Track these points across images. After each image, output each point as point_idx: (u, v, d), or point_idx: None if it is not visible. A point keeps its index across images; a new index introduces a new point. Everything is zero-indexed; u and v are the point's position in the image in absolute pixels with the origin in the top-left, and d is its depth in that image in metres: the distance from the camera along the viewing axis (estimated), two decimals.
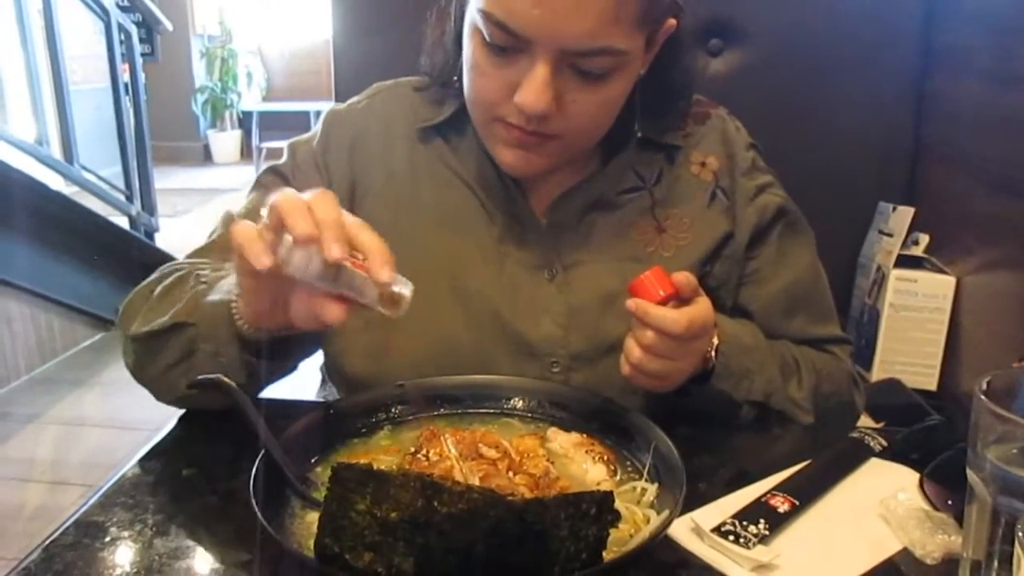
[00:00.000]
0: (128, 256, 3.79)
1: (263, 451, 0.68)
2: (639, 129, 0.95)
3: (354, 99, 1.04)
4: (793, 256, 1.00)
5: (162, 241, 4.23)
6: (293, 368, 0.93)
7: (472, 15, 0.84)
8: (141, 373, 0.88)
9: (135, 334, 0.86)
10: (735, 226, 0.98)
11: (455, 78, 0.94)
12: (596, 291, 0.93)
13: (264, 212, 0.69)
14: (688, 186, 0.98)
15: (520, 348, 0.93)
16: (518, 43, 0.81)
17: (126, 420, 2.84)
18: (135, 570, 0.66)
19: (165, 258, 4.40)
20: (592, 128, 0.90)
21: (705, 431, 0.87)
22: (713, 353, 0.86)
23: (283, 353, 0.84)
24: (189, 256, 0.96)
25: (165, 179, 5.83)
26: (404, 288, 0.68)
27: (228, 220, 0.97)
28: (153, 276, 0.92)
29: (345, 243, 0.66)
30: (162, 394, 0.88)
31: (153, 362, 0.85)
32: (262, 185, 1.01)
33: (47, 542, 0.69)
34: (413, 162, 0.99)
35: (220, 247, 0.94)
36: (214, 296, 0.81)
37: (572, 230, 0.96)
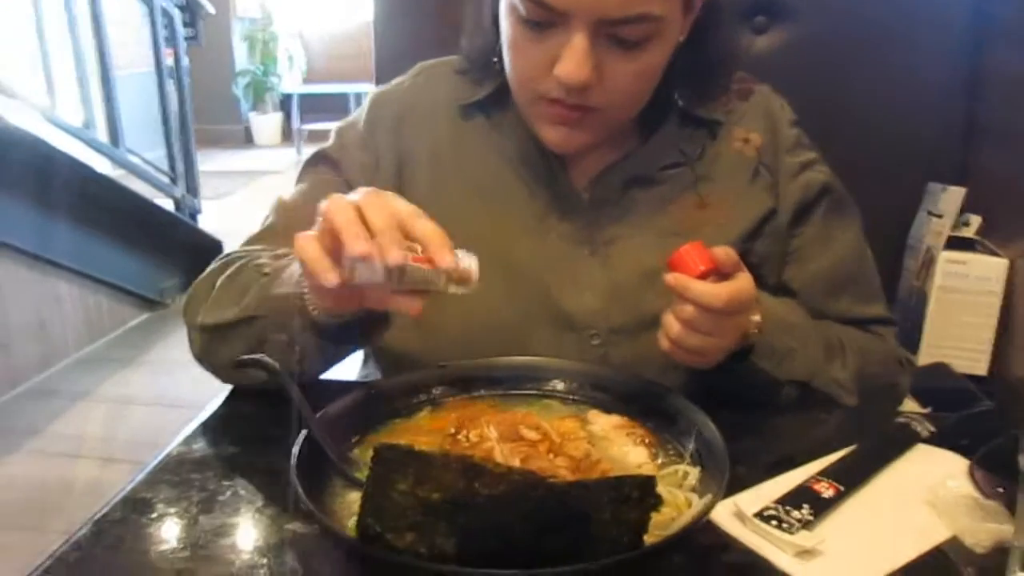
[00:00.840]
0: (173, 238, 3.85)
1: (305, 430, 0.69)
2: (679, 98, 0.94)
3: (398, 79, 1.05)
4: (838, 235, 0.99)
5: (205, 223, 4.29)
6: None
7: None
8: (208, 360, 0.90)
9: (203, 324, 0.88)
10: (778, 203, 0.97)
11: (495, 59, 0.94)
12: (637, 266, 0.93)
13: (319, 219, 0.70)
14: (731, 162, 0.97)
15: (561, 321, 0.93)
16: (554, 17, 0.81)
17: (172, 398, 2.89)
18: (181, 546, 0.67)
19: (208, 240, 4.49)
20: (632, 98, 0.89)
21: (748, 415, 0.85)
22: (755, 330, 0.85)
23: (357, 333, 0.84)
24: (245, 244, 0.98)
25: (207, 162, 5.90)
26: (469, 262, 0.69)
27: (279, 207, 1.00)
28: (213, 266, 0.94)
29: (402, 244, 0.66)
30: (228, 380, 0.91)
31: (220, 351, 0.87)
32: (311, 170, 1.02)
33: (96, 517, 0.70)
34: (456, 139, 1.00)
35: (274, 234, 0.96)
36: (283, 288, 0.82)
37: (613, 205, 0.96)
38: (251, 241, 0.98)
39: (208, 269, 0.94)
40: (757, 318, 0.85)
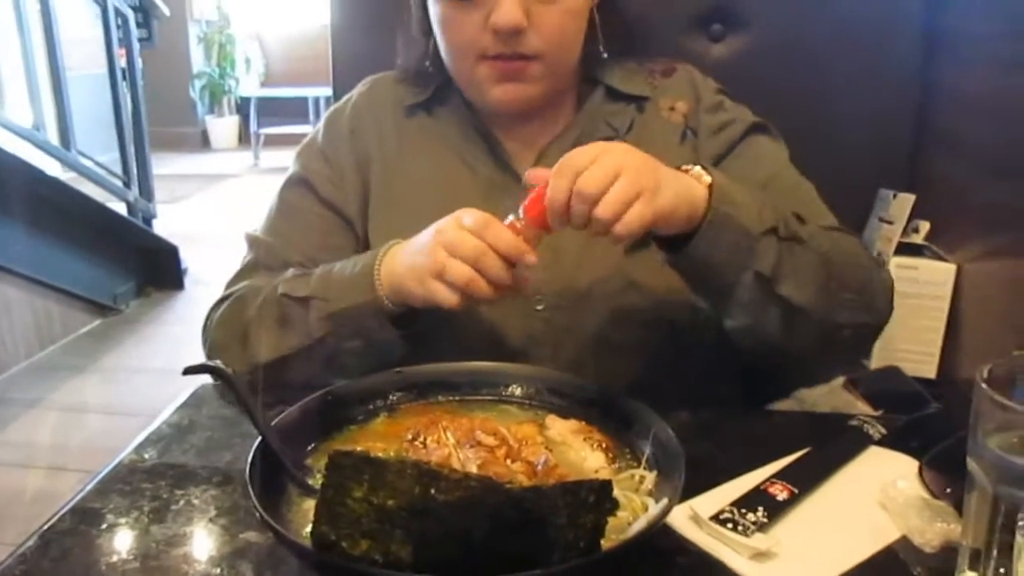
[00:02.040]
0: (126, 242, 3.79)
1: (260, 438, 0.68)
2: (604, 51, 1.01)
3: (347, 96, 1.12)
4: (768, 154, 1.02)
5: (160, 227, 4.22)
6: None
7: None
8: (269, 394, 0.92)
9: (254, 364, 0.91)
10: (697, 159, 0.96)
11: (427, 63, 1.02)
12: (576, 234, 0.92)
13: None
14: (660, 130, 1.02)
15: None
16: None
17: (125, 406, 2.84)
18: (132, 556, 0.66)
19: (163, 244, 4.39)
20: (563, 43, 0.96)
21: (703, 418, 0.86)
22: (701, 184, 0.82)
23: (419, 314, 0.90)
24: (231, 283, 1.02)
25: (163, 165, 5.81)
26: None
27: (255, 242, 1.04)
28: (221, 312, 0.98)
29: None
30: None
31: (291, 379, 0.90)
32: (283, 197, 1.07)
33: (44, 528, 0.69)
34: (402, 136, 1.06)
35: (257, 268, 1.02)
36: (345, 302, 0.89)
37: None
38: (237, 278, 1.02)
39: (216, 316, 0.98)
40: (698, 170, 0.83)
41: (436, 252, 0.82)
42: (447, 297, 0.82)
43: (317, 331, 0.90)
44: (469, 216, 0.82)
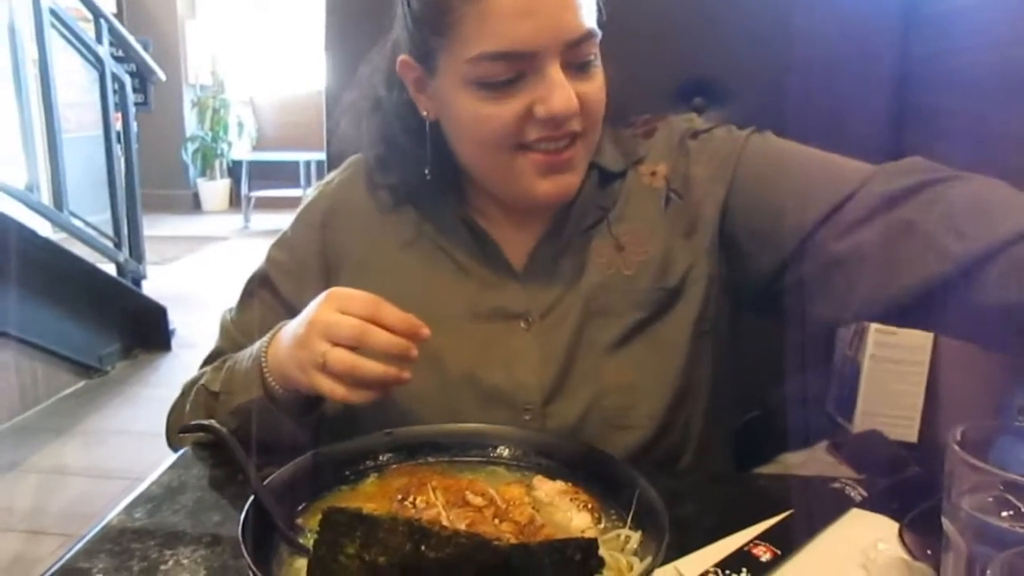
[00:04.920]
0: (114, 303, 3.79)
1: (252, 497, 0.69)
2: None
3: (328, 177, 1.08)
4: (777, 147, 0.97)
5: (150, 288, 4.23)
6: None
7: (457, 76, 0.87)
8: None
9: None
10: (700, 208, 0.96)
11: (427, 173, 0.96)
12: (567, 330, 0.94)
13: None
14: (641, 197, 0.98)
15: (493, 398, 0.94)
16: (523, 66, 0.84)
17: (108, 469, 2.81)
18: None
19: (151, 305, 4.38)
20: (599, 118, 0.92)
21: (688, 480, 0.87)
22: None
23: (313, 405, 0.91)
24: (202, 366, 1.03)
25: (154, 227, 5.85)
26: None
27: (226, 331, 1.04)
28: (176, 398, 1.02)
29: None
30: None
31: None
32: (250, 295, 1.05)
33: None
34: (386, 231, 1.01)
35: (219, 354, 1.03)
36: (242, 396, 0.91)
37: (546, 275, 0.96)
38: (205, 363, 1.03)
39: (178, 398, 1.02)
40: None
41: (314, 343, 0.80)
42: (333, 389, 0.80)
43: (229, 425, 0.86)
44: (341, 298, 0.82)
